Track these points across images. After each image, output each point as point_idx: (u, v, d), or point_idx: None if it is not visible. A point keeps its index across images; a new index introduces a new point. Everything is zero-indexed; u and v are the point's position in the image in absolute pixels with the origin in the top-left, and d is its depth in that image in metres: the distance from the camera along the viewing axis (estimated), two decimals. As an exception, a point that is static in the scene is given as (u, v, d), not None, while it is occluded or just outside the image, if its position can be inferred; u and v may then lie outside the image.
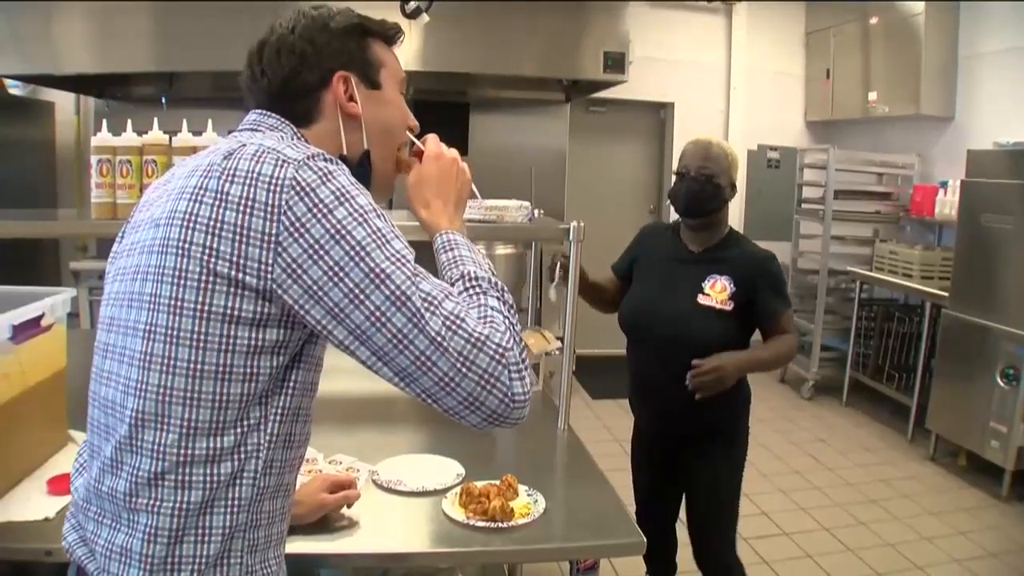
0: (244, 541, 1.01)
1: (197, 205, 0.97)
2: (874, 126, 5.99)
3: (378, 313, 0.94)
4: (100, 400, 1.05)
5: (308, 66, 1.12)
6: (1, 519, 1.45)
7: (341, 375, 1.56)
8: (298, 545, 1.40)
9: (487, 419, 0.97)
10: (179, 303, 0.96)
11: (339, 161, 1.03)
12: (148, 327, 0.99)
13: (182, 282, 0.96)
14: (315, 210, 0.95)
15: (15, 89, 4.79)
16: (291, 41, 1.13)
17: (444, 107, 5.10)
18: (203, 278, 0.96)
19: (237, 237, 0.94)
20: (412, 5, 3.00)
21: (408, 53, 4.15)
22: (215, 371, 0.97)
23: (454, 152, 1.25)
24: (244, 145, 1.01)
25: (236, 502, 1.00)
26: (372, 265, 0.94)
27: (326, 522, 1.49)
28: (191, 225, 0.96)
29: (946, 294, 4.41)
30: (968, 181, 4.30)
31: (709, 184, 2.19)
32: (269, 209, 0.94)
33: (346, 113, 1.14)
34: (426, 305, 0.95)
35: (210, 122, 2.02)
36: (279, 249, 0.94)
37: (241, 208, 0.95)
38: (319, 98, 1.14)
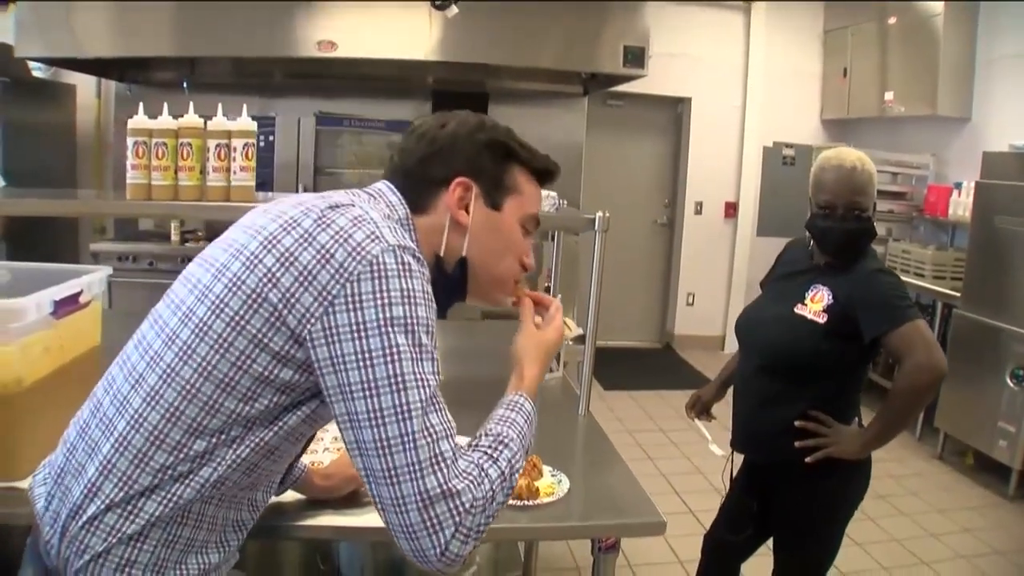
0: (163, 532, 1.03)
1: (284, 233, 1.02)
2: (890, 126, 5.99)
3: (379, 414, 0.96)
4: (126, 363, 1.10)
5: (439, 158, 1.17)
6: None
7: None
8: (318, 519, 1.45)
9: (413, 552, 0.97)
10: (223, 305, 1.01)
11: (425, 264, 1.05)
12: (186, 312, 1.04)
13: (234, 289, 1.01)
14: (378, 295, 0.97)
15: (38, 72, 4.83)
16: (436, 133, 1.18)
17: (463, 97, 5.12)
18: (254, 296, 1.00)
19: (300, 278, 0.99)
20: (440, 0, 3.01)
21: (429, 43, 4.18)
22: (221, 379, 1.01)
23: None
24: (353, 205, 1.05)
25: (173, 497, 1.03)
26: (398, 371, 0.96)
27: (356, 497, 1.52)
28: (269, 247, 1.01)
29: (958, 294, 4.44)
30: (983, 183, 4.33)
31: (861, 220, 1.94)
32: (341, 271, 0.98)
33: (455, 218, 1.17)
34: (424, 433, 0.97)
35: (244, 108, 2.05)
36: (330, 309, 0.97)
37: (318, 256, 0.99)
38: (436, 193, 1.17)
